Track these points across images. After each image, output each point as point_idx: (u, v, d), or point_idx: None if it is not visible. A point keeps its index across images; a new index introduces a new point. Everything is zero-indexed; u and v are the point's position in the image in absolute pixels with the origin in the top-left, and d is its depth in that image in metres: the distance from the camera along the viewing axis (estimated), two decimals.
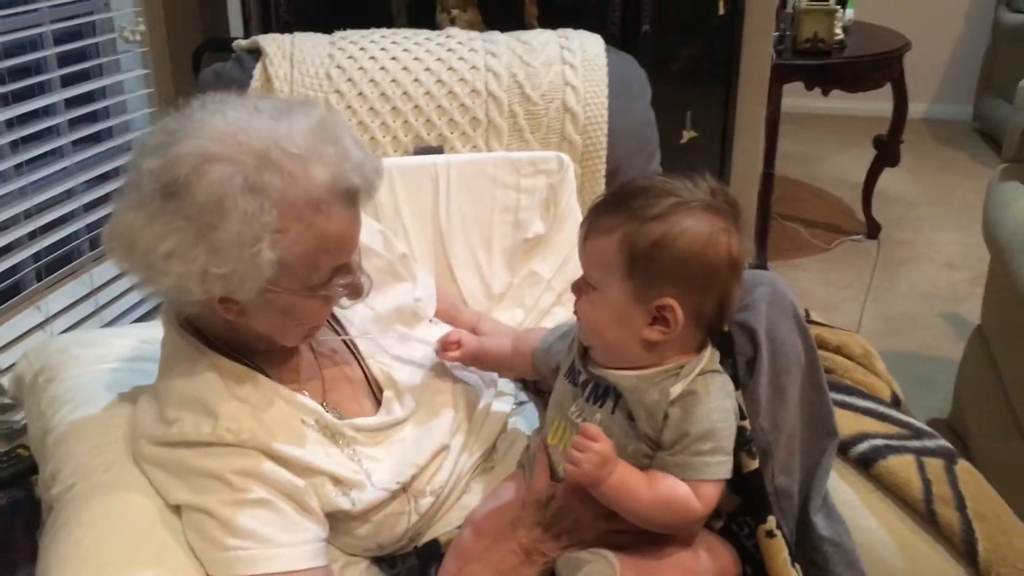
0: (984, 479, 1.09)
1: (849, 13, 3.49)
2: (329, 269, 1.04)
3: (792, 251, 3.63)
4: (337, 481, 1.09)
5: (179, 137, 0.98)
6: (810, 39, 3.19)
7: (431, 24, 2.30)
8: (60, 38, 2.12)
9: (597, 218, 1.06)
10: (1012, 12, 4.54)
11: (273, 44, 1.63)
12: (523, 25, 2.39)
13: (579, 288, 1.07)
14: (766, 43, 2.80)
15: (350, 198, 1.04)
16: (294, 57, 1.60)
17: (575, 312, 1.09)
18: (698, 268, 1.00)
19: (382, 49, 1.63)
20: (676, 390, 1.01)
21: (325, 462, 1.09)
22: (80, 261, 2.16)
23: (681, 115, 2.64)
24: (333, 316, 1.23)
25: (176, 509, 1.04)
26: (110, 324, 2.17)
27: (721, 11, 2.63)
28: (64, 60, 2.13)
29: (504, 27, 1.93)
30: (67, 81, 2.14)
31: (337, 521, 1.11)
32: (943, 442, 1.15)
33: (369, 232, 1.32)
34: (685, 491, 1.00)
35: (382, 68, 1.60)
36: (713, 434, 1.00)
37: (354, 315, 1.24)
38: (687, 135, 2.68)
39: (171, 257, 0.97)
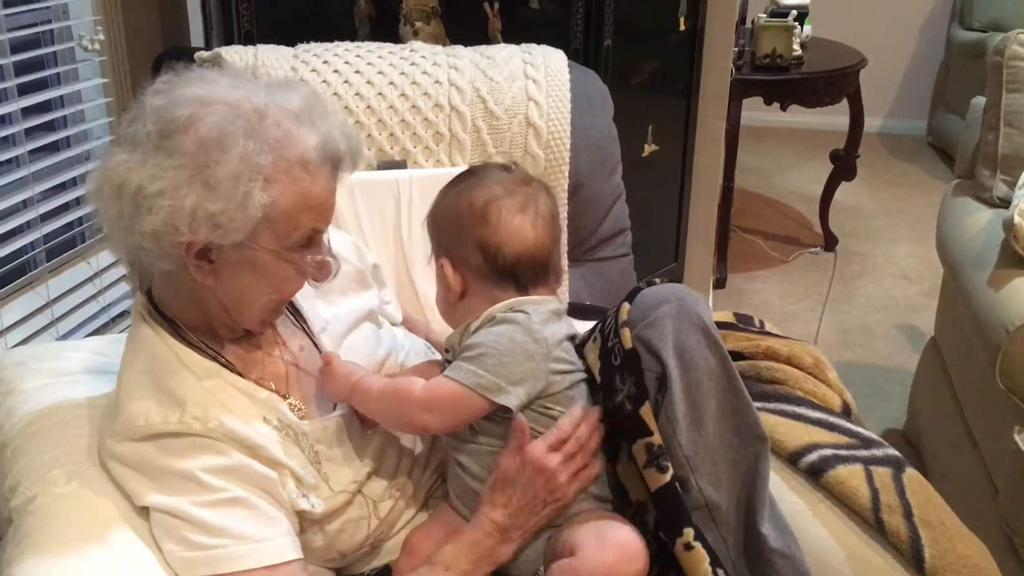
0: (931, 487, 1.12)
1: (807, 29, 3.56)
2: (307, 230, 1.07)
3: (751, 263, 3.68)
4: (298, 480, 1.10)
5: (185, 82, 1.04)
6: (768, 55, 3.25)
7: (395, 36, 2.31)
8: (17, 46, 2.09)
9: None
10: (964, 30, 4.65)
11: (235, 55, 1.62)
12: (487, 39, 2.41)
13: None
14: (725, 58, 2.84)
15: (335, 165, 1.09)
16: (256, 69, 1.60)
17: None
18: (446, 225, 1.19)
19: (346, 63, 1.64)
20: (472, 327, 1.15)
21: (287, 461, 1.09)
22: (36, 272, 2.13)
23: (643, 129, 2.67)
24: (300, 315, 1.24)
25: (144, 512, 1.04)
26: (65, 337, 2.14)
27: (681, 27, 2.67)
28: (21, 69, 2.10)
29: (468, 41, 1.94)
30: (24, 90, 2.11)
31: (300, 532, 1.11)
32: (892, 451, 1.17)
33: (342, 241, 1.34)
34: (409, 383, 1.14)
35: (345, 82, 1.61)
36: (478, 346, 1.11)
37: (320, 317, 1.25)
38: (649, 148, 2.71)
39: (161, 195, 0.98)
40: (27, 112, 2.10)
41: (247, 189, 0.99)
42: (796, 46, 3.32)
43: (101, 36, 2.31)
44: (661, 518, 1.09)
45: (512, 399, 1.09)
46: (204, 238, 1.00)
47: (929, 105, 5.17)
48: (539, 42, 1.92)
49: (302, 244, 1.07)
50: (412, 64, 1.66)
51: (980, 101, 2.22)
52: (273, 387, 1.14)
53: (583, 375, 1.17)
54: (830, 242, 3.80)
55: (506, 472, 1.11)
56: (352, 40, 2.15)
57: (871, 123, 5.09)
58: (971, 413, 2.04)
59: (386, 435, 1.21)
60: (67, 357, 1.29)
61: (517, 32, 2.36)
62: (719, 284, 3.47)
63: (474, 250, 1.15)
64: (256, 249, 1.04)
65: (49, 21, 2.20)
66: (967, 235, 2.03)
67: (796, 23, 3.31)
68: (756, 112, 3.81)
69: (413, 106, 1.61)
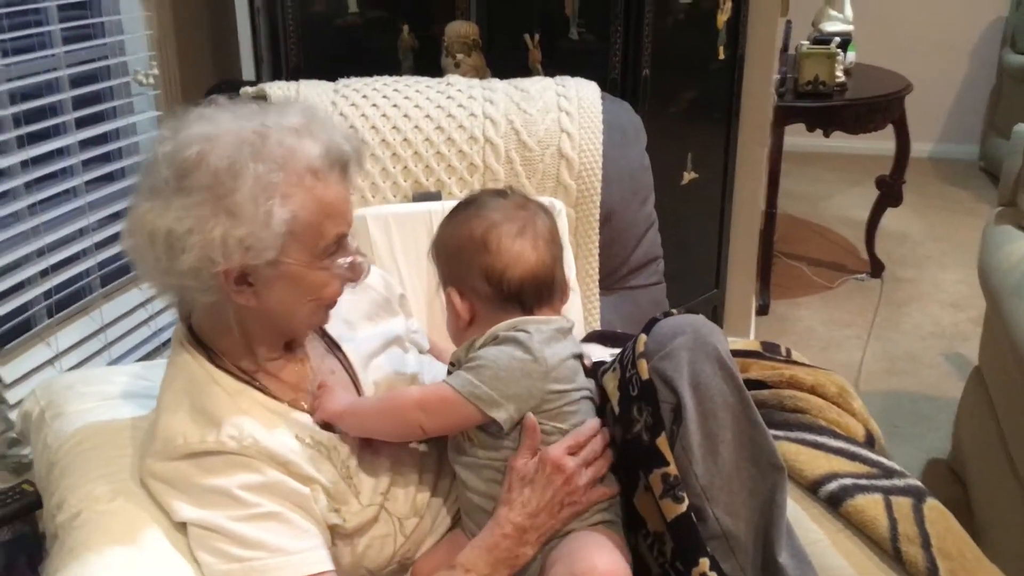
0: (952, 518, 1.12)
1: (851, 56, 3.55)
2: (333, 237, 1.12)
3: (795, 289, 3.66)
4: (329, 495, 1.14)
5: (187, 124, 1.09)
6: (811, 82, 3.25)
7: (437, 68, 2.36)
8: (76, 81, 2.19)
9: None
10: (1016, 54, 4.60)
11: (278, 91, 1.69)
12: (527, 70, 2.46)
13: None
14: (765, 85, 2.85)
15: (343, 169, 1.14)
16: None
17: None
18: (450, 256, 1.23)
19: (384, 96, 1.69)
20: (476, 344, 1.19)
21: (318, 476, 1.13)
22: (91, 298, 2.21)
23: (682, 157, 2.70)
24: (331, 338, 1.28)
25: (182, 527, 1.08)
26: (117, 360, 2.22)
27: (720, 56, 2.70)
28: (79, 103, 2.19)
29: (508, 72, 1.99)
30: (82, 123, 2.20)
31: (330, 546, 1.14)
32: (913, 481, 1.17)
33: (372, 271, 1.38)
34: (405, 389, 1.22)
35: (383, 115, 1.66)
36: (479, 358, 1.15)
37: (350, 341, 1.29)
38: (688, 176, 2.73)
39: (191, 233, 1.04)
40: (84, 144, 2.19)
41: (267, 208, 1.04)
42: (839, 73, 3.32)
43: (155, 71, 2.40)
44: (677, 548, 1.10)
45: (502, 413, 1.12)
46: (239, 263, 1.05)
47: (981, 129, 5.11)
48: (578, 72, 1.97)
49: (331, 251, 1.12)
50: (448, 98, 1.70)
51: (1023, 128, 2.20)
52: (305, 407, 1.19)
53: (586, 394, 1.20)
54: (876, 268, 3.77)
55: (523, 472, 1.13)
56: (396, 72, 2.22)
57: (922, 148, 5.05)
58: (1014, 444, 2.01)
59: (407, 451, 1.25)
60: (113, 381, 1.35)
61: (557, 62, 2.41)
62: (762, 311, 3.46)
63: (479, 278, 1.19)
64: (289, 263, 1.09)
65: (106, 57, 2.29)
66: (1007, 263, 2.01)
67: (839, 50, 3.31)
68: (803, 138, 3.80)
69: (448, 138, 1.66)
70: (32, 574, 1.28)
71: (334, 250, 1.13)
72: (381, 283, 1.39)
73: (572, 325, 1.24)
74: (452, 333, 1.26)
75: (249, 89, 1.74)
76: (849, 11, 3.48)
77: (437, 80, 1.80)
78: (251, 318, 1.14)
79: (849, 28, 3.44)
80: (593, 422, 1.16)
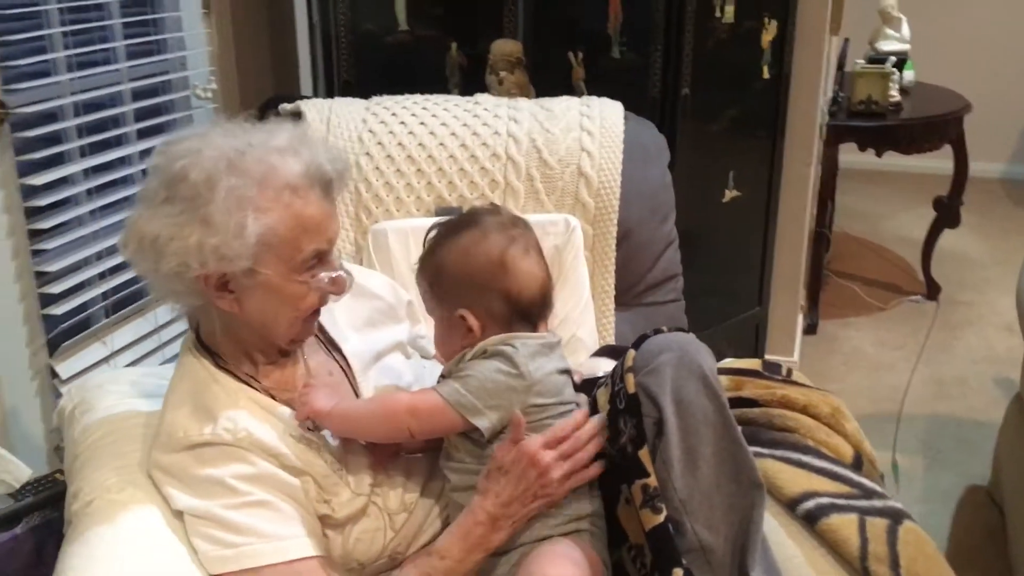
0: (929, 542, 1.14)
1: (909, 75, 3.51)
2: (310, 252, 1.19)
3: (846, 309, 3.63)
4: (320, 487, 1.21)
5: (176, 143, 1.19)
6: (864, 101, 3.23)
7: (483, 86, 2.44)
8: (138, 94, 2.31)
9: (415, 271, 1.31)
10: None
11: (312, 108, 1.78)
12: (571, 88, 2.51)
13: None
14: (813, 104, 2.86)
15: (324, 187, 1.20)
16: (330, 121, 1.75)
17: None
18: (466, 278, 1.23)
19: (412, 115, 1.77)
20: (466, 357, 1.23)
21: (309, 468, 1.21)
22: (145, 300, 2.32)
23: (723, 175, 2.72)
24: (331, 341, 1.36)
25: (181, 516, 1.17)
26: (170, 360, 2.33)
27: (765, 75, 2.71)
28: (141, 115, 2.32)
29: (552, 89, 2.05)
30: (143, 134, 2.33)
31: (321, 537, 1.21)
32: (893, 503, 1.19)
33: (378, 280, 1.47)
34: (395, 393, 1.29)
35: (410, 132, 1.73)
36: (467, 368, 1.20)
37: (351, 346, 1.37)
38: (730, 194, 2.75)
39: (172, 239, 1.14)
40: (144, 154, 2.31)
41: (239, 219, 1.12)
42: (894, 92, 3.29)
43: (214, 85, 2.53)
44: (654, 557, 1.14)
45: (484, 421, 1.18)
46: (214, 270, 1.14)
47: None
48: (619, 89, 2.02)
49: (310, 265, 1.19)
50: (474, 116, 1.77)
51: None
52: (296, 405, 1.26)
53: (571, 408, 1.24)
54: (932, 290, 3.71)
55: (501, 463, 1.18)
56: (443, 88, 2.30)
57: (993, 168, 4.95)
58: None
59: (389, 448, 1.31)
60: (141, 382, 1.45)
61: (599, 80, 2.46)
62: (810, 330, 3.44)
63: (497, 299, 1.23)
64: (267, 274, 1.17)
65: (167, 72, 2.42)
66: None
67: (894, 69, 3.28)
68: (865, 156, 3.77)
69: (472, 155, 1.72)
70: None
71: (313, 264, 1.20)
72: (388, 290, 1.47)
73: (559, 340, 1.29)
74: (446, 351, 1.29)
75: (287, 106, 1.84)
76: (906, 30, 3.45)
77: (466, 99, 1.87)
78: (237, 325, 1.23)
79: (906, 47, 3.41)
80: (578, 416, 1.21)
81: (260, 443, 1.18)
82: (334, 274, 1.22)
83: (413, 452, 1.33)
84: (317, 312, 1.26)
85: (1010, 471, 2.35)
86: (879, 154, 3.39)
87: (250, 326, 1.23)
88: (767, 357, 3.05)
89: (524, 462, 1.17)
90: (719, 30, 2.53)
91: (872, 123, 3.24)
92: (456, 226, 1.28)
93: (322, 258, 1.21)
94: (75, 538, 1.14)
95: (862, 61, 3.34)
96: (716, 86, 2.57)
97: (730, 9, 2.51)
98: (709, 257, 2.80)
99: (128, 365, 2.20)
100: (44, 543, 1.33)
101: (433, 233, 1.30)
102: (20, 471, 1.35)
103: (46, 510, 1.35)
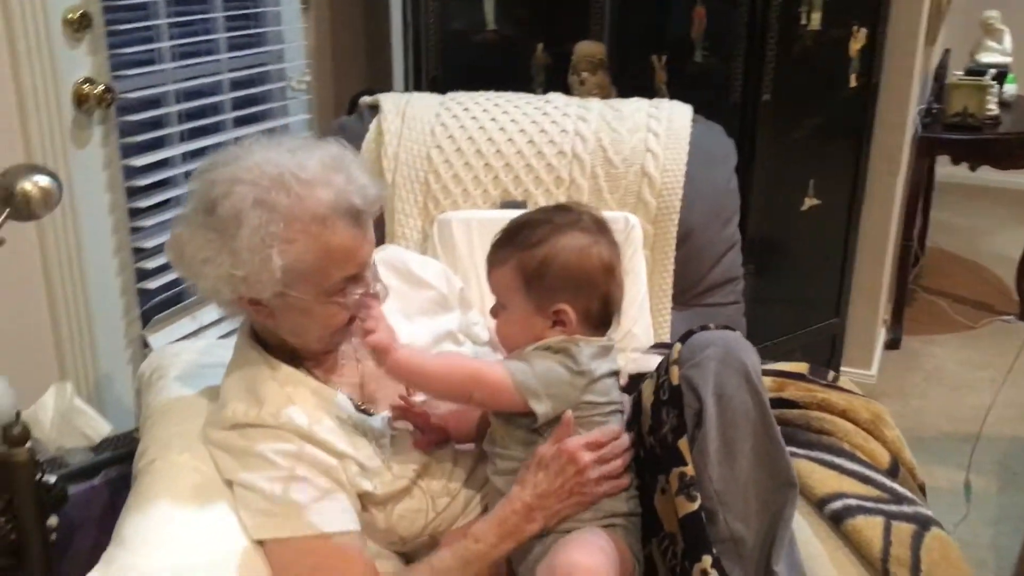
0: (956, 550, 1.14)
1: (1010, 89, 3.41)
2: (339, 279, 1.23)
3: (932, 326, 3.54)
4: (362, 467, 1.28)
5: (217, 166, 1.24)
6: (959, 113, 3.16)
7: (567, 84, 2.48)
8: (236, 84, 2.44)
9: (493, 254, 1.31)
10: None
11: (390, 102, 1.86)
12: (652, 91, 2.54)
13: (495, 311, 1.32)
14: (902, 115, 2.81)
15: (353, 217, 1.23)
16: (406, 114, 1.82)
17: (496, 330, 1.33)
18: (578, 276, 1.26)
19: (484, 110, 1.83)
20: (527, 350, 1.26)
21: (352, 451, 1.28)
22: None
23: (803, 182, 2.70)
24: None
25: (229, 484, 1.26)
26: None
27: (852, 84, 2.68)
28: (238, 104, 2.45)
29: (634, 92, 2.07)
30: (239, 122, 2.45)
31: (363, 511, 1.29)
32: (923, 511, 1.19)
33: (432, 268, 1.54)
34: (466, 357, 1.30)
35: (481, 127, 1.80)
36: (531, 357, 1.24)
37: (401, 334, 1.43)
38: (809, 202, 2.73)
39: (206, 263, 1.21)
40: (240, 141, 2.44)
41: (264, 255, 1.18)
42: (992, 105, 3.20)
43: (308, 78, 2.64)
44: (686, 545, 1.17)
45: (541, 407, 1.22)
46: (243, 295, 1.22)
47: None
48: (701, 93, 2.05)
49: (339, 287, 1.24)
50: (544, 114, 1.82)
51: None
52: (346, 391, 1.34)
53: (617, 408, 1.28)
54: None
55: (542, 458, 1.23)
56: (528, 88, 2.35)
57: None
58: None
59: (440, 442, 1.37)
60: (214, 352, 1.55)
61: (682, 84, 2.48)
62: (892, 345, 3.38)
63: (598, 301, 1.27)
64: (296, 297, 1.23)
65: (264, 64, 2.55)
66: None
67: (994, 82, 3.19)
68: (964, 171, 3.67)
69: (539, 152, 1.78)
70: None
71: (343, 287, 1.24)
72: (442, 279, 1.53)
73: (614, 344, 1.33)
74: (515, 342, 1.30)
75: (367, 99, 1.93)
76: (1009, 42, 3.35)
77: (538, 97, 1.92)
78: (274, 330, 1.31)
79: (1008, 60, 3.31)
80: (617, 426, 1.25)
81: (300, 429, 1.25)
82: (363, 290, 1.26)
83: (462, 443, 1.38)
84: (350, 323, 1.29)
85: None
86: (972, 168, 3.31)
87: (286, 333, 1.31)
88: (843, 368, 3.01)
89: (564, 458, 1.21)
90: (804, 37, 2.51)
91: (966, 136, 3.16)
92: (563, 225, 1.28)
93: (355, 280, 1.25)
94: (137, 492, 1.25)
95: (959, 73, 3.26)
96: (799, 93, 2.56)
97: (816, 16, 2.50)
98: (786, 264, 2.79)
99: (221, 338, 2.32)
100: (119, 495, 1.44)
101: (528, 227, 1.30)
102: (101, 426, 1.47)
103: (123, 465, 1.46)
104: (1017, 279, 3.60)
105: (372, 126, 1.84)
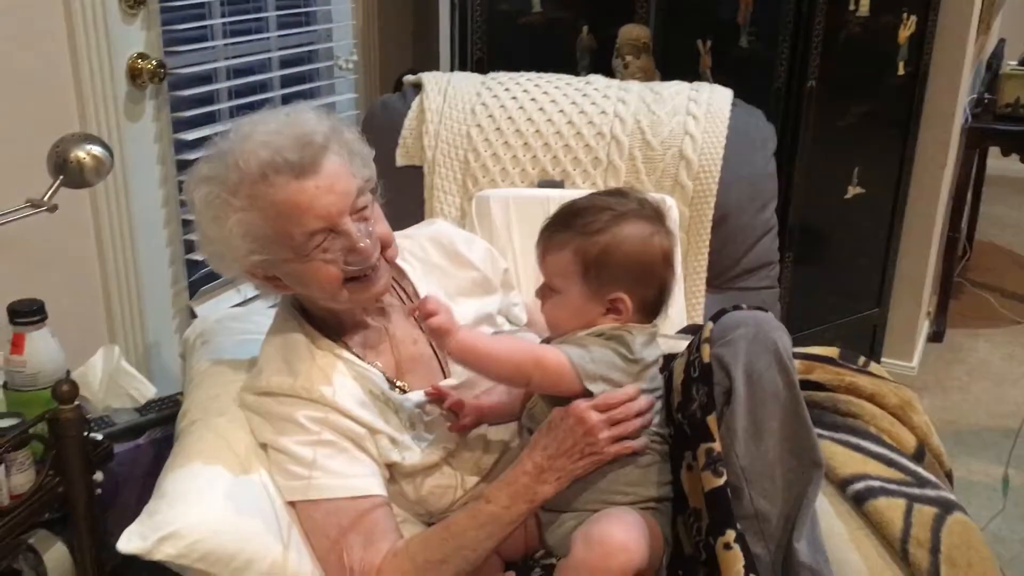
0: (977, 534, 1.14)
1: None
2: (304, 235, 1.23)
3: (977, 320, 3.50)
4: (392, 441, 1.31)
5: (213, 145, 1.31)
6: (1011, 104, 3.11)
7: (610, 68, 2.49)
8: (285, 63, 2.49)
9: (550, 237, 1.31)
10: None
11: (432, 81, 1.88)
12: (697, 75, 2.54)
13: (543, 294, 1.31)
14: (951, 104, 2.78)
15: (294, 170, 1.22)
16: (448, 93, 1.85)
17: (542, 313, 1.33)
18: (639, 266, 1.26)
19: (524, 91, 1.85)
20: (579, 334, 1.27)
21: (383, 426, 1.31)
22: None
23: (848, 170, 2.68)
24: None
25: (264, 447, 1.31)
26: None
27: (900, 72, 2.65)
28: (287, 82, 2.49)
29: (679, 76, 2.07)
30: (287, 100, 2.50)
31: (391, 482, 1.32)
32: (946, 495, 1.20)
33: (477, 247, 1.56)
34: (528, 340, 1.29)
35: (520, 107, 1.82)
36: (585, 342, 1.25)
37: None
38: (853, 191, 2.71)
39: (202, 253, 1.32)
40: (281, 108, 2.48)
41: (226, 226, 1.24)
42: None
43: (355, 57, 2.68)
44: (710, 519, 1.19)
45: (597, 389, 1.23)
46: (238, 270, 1.29)
47: None
48: (745, 79, 2.05)
49: (317, 243, 1.24)
50: (584, 95, 1.84)
51: None
52: (381, 368, 1.37)
53: (660, 394, 1.30)
54: None
55: (553, 420, 1.25)
56: (573, 70, 2.36)
57: None
58: None
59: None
60: (254, 320, 1.61)
61: (726, 69, 2.48)
62: (936, 337, 3.34)
63: (654, 290, 1.29)
64: (281, 261, 1.27)
65: (312, 43, 2.59)
66: None
67: None
68: (1019, 164, 3.61)
69: (577, 132, 1.79)
70: None
71: (320, 241, 1.24)
72: (487, 260, 1.54)
73: (658, 330, 1.34)
74: (566, 326, 1.30)
75: (410, 77, 1.96)
76: None
77: (578, 78, 1.94)
78: (305, 300, 1.35)
79: None
80: (630, 388, 1.26)
81: (333, 403, 1.28)
82: (342, 242, 1.26)
83: (496, 422, 1.40)
84: (361, 279, 1.30)
85: None
86: (1023, 159, 3.25)
87: (307, 300, 1.35)
88: (884, 359, 2.99)
89: (572, 420, 1.23)
90: (852, 23, 2.49)
91: (1018, 127, 3.11)
92: (624, 213, 1.28)
93: (334, 230, 1.25)
94: (178, 451, 1.30)
95: (1013, 63, 3.21)
96: (845, 80, 2.54)
97: (865, 2, 2.48)
98: (827, 252, 2.78)
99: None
100: (162, 454, 1.49)
101: (588, 213, 1.29)
102: (146, 388, 1.52)
103: (166, 426, 1.52)
104: None
105: (414, 104, 1.87)
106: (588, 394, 1.24)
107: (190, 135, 2.10)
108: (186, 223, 2.13)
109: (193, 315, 2.15)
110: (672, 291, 1.31)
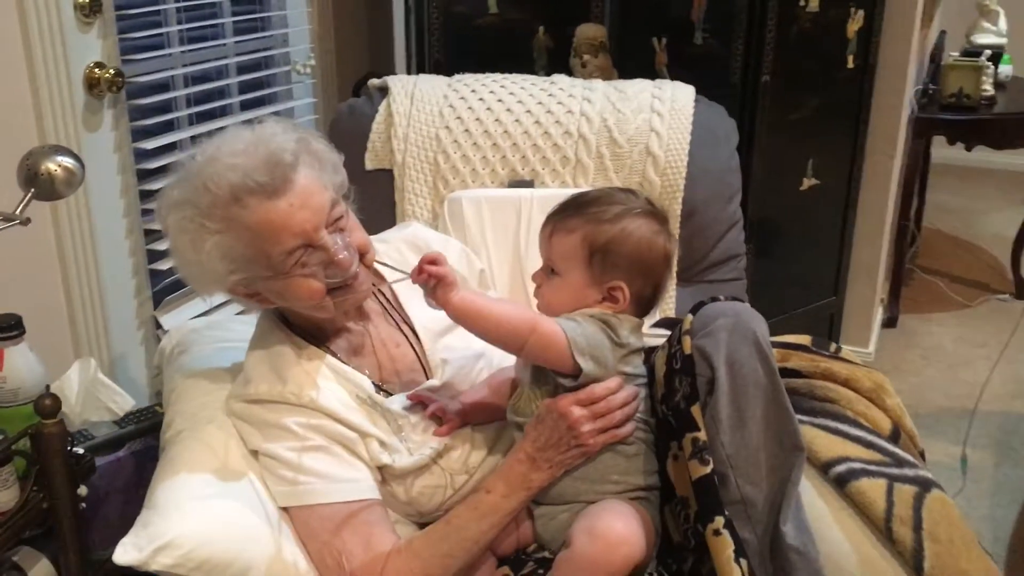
0: (955, 510, 1.18)
1: (1006, 69, 3.45)
2: (282, 254, 1.24)
3: (929, 305, 3.59)
4: (383, 444, 1.32)
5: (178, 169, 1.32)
6: (955, 94, 3.20)
7: (568, 67, 2.51)
8: (243, 68, 2.47)
9: (560, 220, 1.34)
10: None
11: (398, 84, 1.89)
12: (653, 72, 2.57)
13: (541, 277, 1.35)
14: (899, 96, 2.85)
15: (265, 191, 1.22)
16: (414, 96, 1.86)
17: (537, 296, 1.36)
18: (642, 260, 1.31)
19: (491, 92, 1.86)
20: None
21: (372, 429, 1.32)
22: None
23: (802, 163, 2.74)
24: (402, 313, 1.46)
25: (255, 454, 1.30)
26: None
27: (849, 65, 2.72)
28: (245, 88, 2.47)
29: (635, 74, 2.10)
30: (246, 106, 2.48)
31: (382, 484, 1.33)
32: (924, 473, 1.24)
33: (452, 248, 1.57)
34: (524, 309, 1.31)
35: (488, 108, 1.83)
36: (576, 315, 1.28)
37: (418, 318, 1.47)
38: (808, 182, 2.77)
39: (180, 271, 1.33)
40: (247, 125, 2.47)
41: (202, 249, 1.24)
42: (987, 86, 3.24)
43: (313, 62, 2.67)
44: (698, 506, 1.22)
45: (587, 365, 1.25)
46: (218, 290, 1.29)
47: None
48: (701, 75, 2.08)
49: (296, 258, 1.25)
50: (549, 95, 1.86)
51: None
52: (367, 372, 1.37)
53: (643, 381, 1.33)
54: (1021, 290, 3.64)
55: (540, 413, 1.28)
56: (530, 70, 2.38)
57: None
58: None
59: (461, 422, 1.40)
60: (232, 328, 1.60)
61: (682, 66, 2.51)
62: (890, 323, 3.43)
63: (651, 287, 1.33)
64: (260, 279, 1.27)
65: (270, 48, 2.57)
66: None
67: (989, 63, 3.23)
68: (960, 152, 3.71)
69: (545, 132, 1.81)
70: None
71: (299, 257, 1.25)
72: (462, 260, 1.56)
73: (642, 323, 1.37)
74: (559, 310, 1.32)
75: (375, 81, 1.96)
76: (1004, 23, 3.39)
77: (543, 79, 1.95)
78: (287, 311, 1.35)
79: (1003, 41, 3.35)
80: (611, 382, 1.28)
81: (323, 408, 1.29)
82: (321, 257, 1.26)
83: (478, 423, 1.41)
84: (344, 288, 1.30)
85: None
86: (969, 148, 3.35)
87: (292, 313, 1.35)
88: (842, 347, 3.06)
89: (556, 414, 1.26)
90: (803, 18, 2.55)
91: (962, 116, 3.20)
92: (635, 209, 1.33)
93: (312, 244, 1.25)
94: (166, 463, 1.29)
95: (955, 54, 3.30)
96: (798, 74, 2.59)
97: None
98: (785, 244, 2.83)
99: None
100: (144, 466, 1.48)
101: (600, 203, 1.33)
102: (124, 401, 1.51)
103: (147, 437, 1.50)
104: (1013, 259, 3.65)
105: (381, 107, 1.88)
106: (577, 369, 1.26)
107: (150, 144, 2.08)
108: (148, 233, 2.11)
109: (159, 326, 2.13)
110: (665, 293, 1.35)
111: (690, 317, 1.31)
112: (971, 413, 2.90)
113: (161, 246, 2.13)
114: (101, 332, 1.95)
